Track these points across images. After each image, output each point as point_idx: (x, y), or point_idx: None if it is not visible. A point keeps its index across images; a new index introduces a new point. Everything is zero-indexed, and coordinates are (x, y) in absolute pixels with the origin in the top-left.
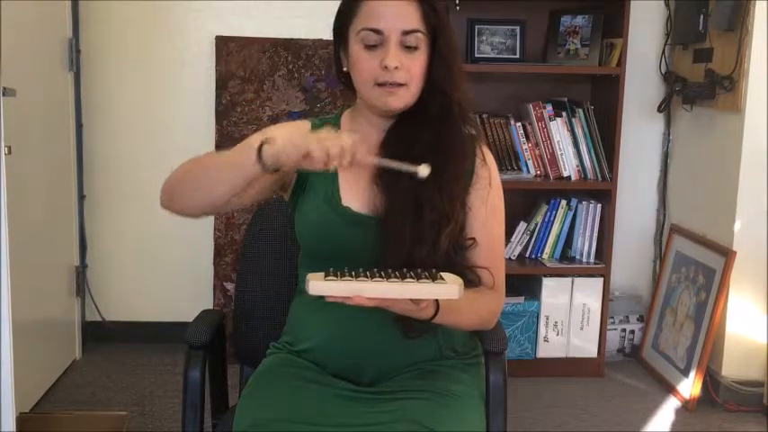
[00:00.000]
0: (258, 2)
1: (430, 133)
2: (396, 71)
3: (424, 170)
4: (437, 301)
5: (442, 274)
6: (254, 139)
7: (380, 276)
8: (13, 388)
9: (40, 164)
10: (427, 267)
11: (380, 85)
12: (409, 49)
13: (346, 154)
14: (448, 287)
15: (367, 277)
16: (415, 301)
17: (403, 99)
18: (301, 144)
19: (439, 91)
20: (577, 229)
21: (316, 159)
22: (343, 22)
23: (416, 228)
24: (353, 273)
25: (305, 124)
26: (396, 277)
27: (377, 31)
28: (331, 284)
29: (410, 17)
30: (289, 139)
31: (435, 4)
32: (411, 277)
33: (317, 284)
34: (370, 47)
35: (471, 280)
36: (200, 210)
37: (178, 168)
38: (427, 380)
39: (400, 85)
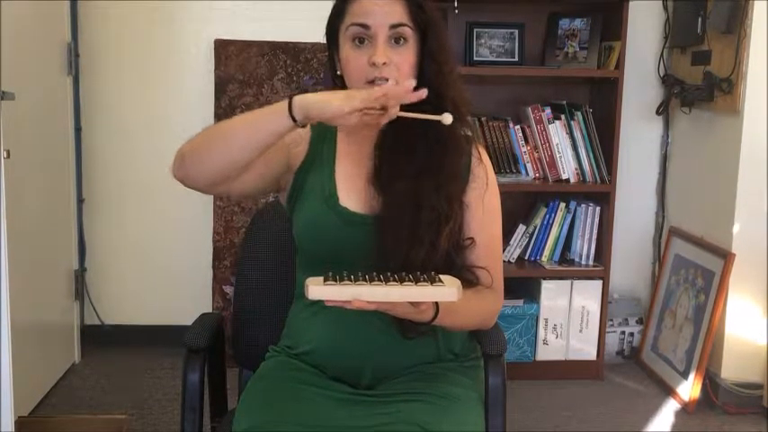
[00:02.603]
0: (257, 5)
1: (425, 133)
2: (384, 67)
3: (447, 118)
4: (436, 303)
5: (440, 276)
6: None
7: (379, 280)
8: (12, 391)
9: (39, 167)
10: (426, 268)
11: (371, 83)
12: (397, 43)
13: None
14: (446, 290)
15: (366, 281)
16: (415, 304)
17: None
18: (328, 102)
19: (431, 89)
20: (576, 231)
21: (347, 119)
22: (334, 22)
23: (415, 228)
24: (352, 277)
25: (302, 129)
26: (394, 280)
27: (364, 26)
28: (330, 289)
29: (397, 12)
30: (321, 96)
31: (422, 2)
32: (409, 280)
33: (317, 289)
34: (359, 45)
35: (469, 280)
36: (215, 171)
37: (197, 135)
38: (426, 382)
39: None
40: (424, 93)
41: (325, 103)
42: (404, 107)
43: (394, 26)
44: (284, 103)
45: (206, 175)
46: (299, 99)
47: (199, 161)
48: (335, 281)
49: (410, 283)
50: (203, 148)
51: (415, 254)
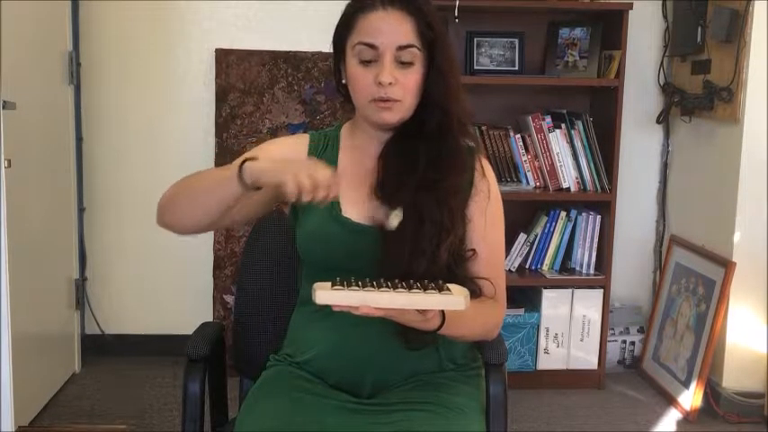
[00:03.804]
0: (258, 15)
1: (428, 147)
2: (390, 87)
3: (393, 220)
4: (443, 311)
5: (448, 284)
6: (244, 157)
7: (387, 286)
8: (13, 401)
9: (40, 177)
10: (426, 279)
11: (376, 101)
12: (404, 64)
13: (320, 189)
14: (455, 298)
15: (374, 287)
16: (422, 312)
17: (398, 114)
18: (279, 172)
19: (436, 105)
20: (577, 240)
21: (289, 191)
22: (341, 35)
23: (416, 240)
24: (360, 282)
25: (301, 142)
26: (402, 287)
27: (372, 46)
28: (338, 294)
29: (405, 32)
30: (270, 163)
31: (431, 20)
32: (418, 288)
33: (324, 294)
34: (366, 62)
35: (472, 290)
36: (194, 226)
37: (171, 187)
38: (427, 392)
39: (395, 100)
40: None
41: (273, 174)
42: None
43: (401, 47)
44: (234, 170)
45: (182, 229)
46: (248, 167)
47: (171, 216)
48: (343, 286)
49: (418, 291)
50: (172, 205)
51: (416, 265)
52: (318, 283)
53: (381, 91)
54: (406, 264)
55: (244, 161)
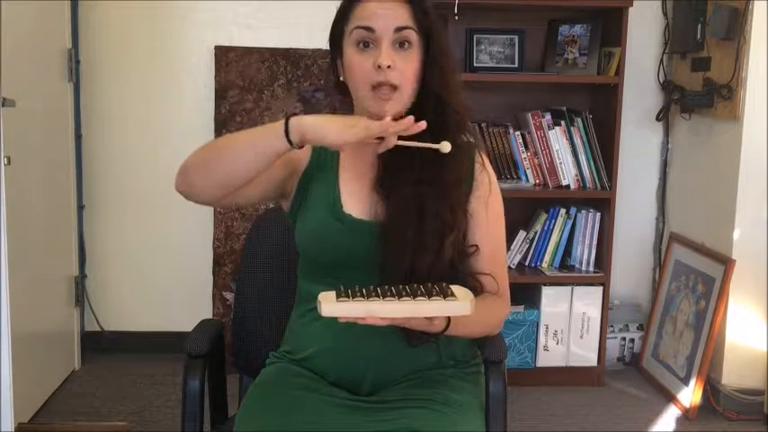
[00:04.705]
0: (257, 12)
1: (427, 140)
2: (389, 71)
3: (445, 146)
4: None
5: (452, 288)
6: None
7: (391, 294)
8: (12, 398)
9: (40, 174)
10: (431, 275)
11: (375, 89)
12: (402, 47)
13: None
14: (460, 304)
15: (378, 295)
16: (428, 317)
17: (397, 103)
18: (325, 129)
19: (433, 95)
20: (577, 237)
21: (342, 146)
22: (338, 26)
23: (419, 236)
24: (364, 291)
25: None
26: (407, 294)
27: (369, 29)
28: (343, 306)
29: (402, 16)
30: (318, 121)
31: (426, 8)
32: (422, 294)
33: (329, 306)
34: (364, 48)
35: (474, 287)
36: (217, 187)
37: (199, 149)
38: (427, 389)
39: (394, 88)
40: (423, 124)
41: (322, 130)
42: (402, 135)
43: (399, 29)
44: (281, 124)
45: (209, 190)
46: (295, 121)
47: (201, 176)
48: (347, 296)
49: (423, 298)
50: (205, 163)
51: (419, 262)
52: (323, 294)
53: (380, 75)
54: (409, 260)
55: (288, 118)
